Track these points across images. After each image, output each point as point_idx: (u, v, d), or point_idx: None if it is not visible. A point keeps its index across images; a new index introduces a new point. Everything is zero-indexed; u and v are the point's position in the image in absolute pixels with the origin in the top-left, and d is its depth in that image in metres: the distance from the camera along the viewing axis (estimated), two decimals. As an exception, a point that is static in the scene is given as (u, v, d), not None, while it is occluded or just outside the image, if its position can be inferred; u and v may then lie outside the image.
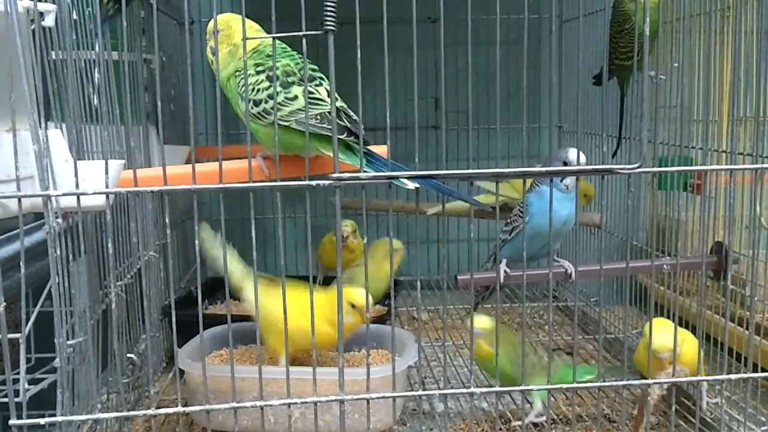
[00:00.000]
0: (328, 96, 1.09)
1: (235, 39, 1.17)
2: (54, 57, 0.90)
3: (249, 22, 1.13)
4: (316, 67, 1.16)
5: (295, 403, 0.85)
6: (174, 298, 1.73)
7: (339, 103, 1.11)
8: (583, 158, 1.41)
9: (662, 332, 1.12)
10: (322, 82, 1.14)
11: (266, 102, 1.13)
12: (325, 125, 1.07)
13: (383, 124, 0.85)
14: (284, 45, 1.20)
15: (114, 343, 0.83)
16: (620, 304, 1.95)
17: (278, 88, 1.11)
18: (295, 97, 1.11)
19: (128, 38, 1.45)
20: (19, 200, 0.75)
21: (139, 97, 1.47)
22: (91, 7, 1.06)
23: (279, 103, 1.11)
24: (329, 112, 1.07)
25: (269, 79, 1.12)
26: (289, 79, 1.13)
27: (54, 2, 0.87)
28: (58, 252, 0.79)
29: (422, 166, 0.83)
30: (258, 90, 1.14)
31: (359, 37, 0.87)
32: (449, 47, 0.84)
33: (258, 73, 1.15)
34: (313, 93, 1.12)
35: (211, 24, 1.19)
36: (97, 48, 1.10)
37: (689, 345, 1.20)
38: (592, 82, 1.79)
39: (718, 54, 1.48)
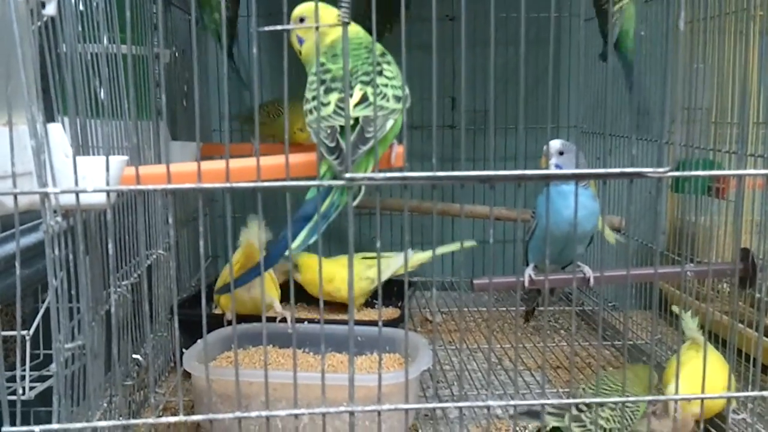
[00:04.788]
0: (360, 103, 1.10)
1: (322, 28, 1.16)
2: (57, 48, 0.87)
3: (333, 10, 1.11)
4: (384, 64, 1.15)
5: (303, 414, 0.81)
6: (184, 297, 1.74)
7: (364, 113, 1.08)
8: (557, 144, 1.37)
9: (689, 384, 1.01)
10: (365, 87, 1.11)
11: (307, 103, 1.15)
12: (327, 142, 1.07)
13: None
14: (360, 37, 1.19)
15: (114, 347, 0.80)
16: (638, 309, 1.91)
17: (318, 93, 1.11)
18: (328, 104, 1.11)
19: (138, 32, 1.42)
20: (15, 197, 0.72)
21: (149, 92, 1.44)
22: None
23: (315, 108, 1.12)
24: (341, 126, 1.08)
25: (321, 81, 1.14)
26: (333, 85, 1.13)
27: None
28: (57, 252, 0.75)
29: (438, 166, 0.80)
30: (310, 90, 1.17)
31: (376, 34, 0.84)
32: (466, 46, 0.79)
33: (315, 73, 1.16)
34: (341, 101, 1.10)
35: (295, 11, 1.20)
36: (105, 41, 1.07)
37: (717, 385, 1.12)
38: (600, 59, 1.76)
39: (742, 55, 1.43)
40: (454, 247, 1.90)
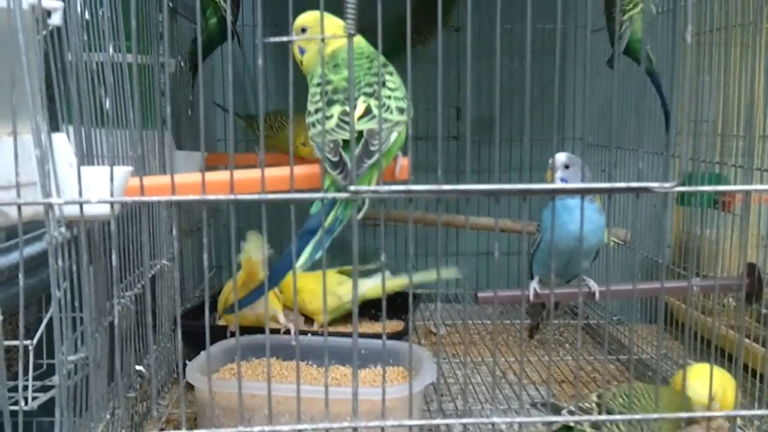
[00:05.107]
0: (364, 116, 1.07)
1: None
2: (63, 57, 0.87)
3: (335, 20, 1.10)
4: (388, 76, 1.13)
5: (306, 429, 0.80)
6: (187, 308, 1.74)
7: (368, 126, 1.06)
8: (563, 157, 1.37)
9: (700, 384, 1.03)
10: (368, 99, 1.09)
11: (310, 116, 1.12)
12: (330, 156, 1.04)
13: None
14: (361, 47, 1.17)
15: (116, 360, 0.79)
16: (643, 323, 1.90)
17: (322, 105, 1.09)
18: (331, 117, 1.08)
19: (144, 41, 1.42)
20: (19, 208, 0.71)
21: (155, 101, 1.44)
22: (105, 8, 1.03)
23: (317, 121, 1.09)
24: (344, 140, 1.05)
25: (322, 93, 1.12)
26: (335, 97, 1.10)
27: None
28: (60, 263, 0.75)
29: (443, 178, 0.79)
30: (312, 102, 1.13)
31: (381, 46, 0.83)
32: (471, 57, 0.79)
33: (317, 84, 1.14)
34: (344, 114, 1.08)
35: (297, 21, 1.19)
36: (110, 50, 1.07)
37: (726, 391, 1.12)
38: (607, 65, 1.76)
39: (749, 68, 1.43)
40: (431, 276, 1.73)
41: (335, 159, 1.04)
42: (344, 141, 1.06)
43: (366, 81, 1.11)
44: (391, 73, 1.15)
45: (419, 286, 2.09)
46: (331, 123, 1.08)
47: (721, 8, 1.47)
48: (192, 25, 1.86)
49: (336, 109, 1.09)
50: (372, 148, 1.03)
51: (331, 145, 1.05)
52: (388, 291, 1.69)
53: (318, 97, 1.11)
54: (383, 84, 1.10)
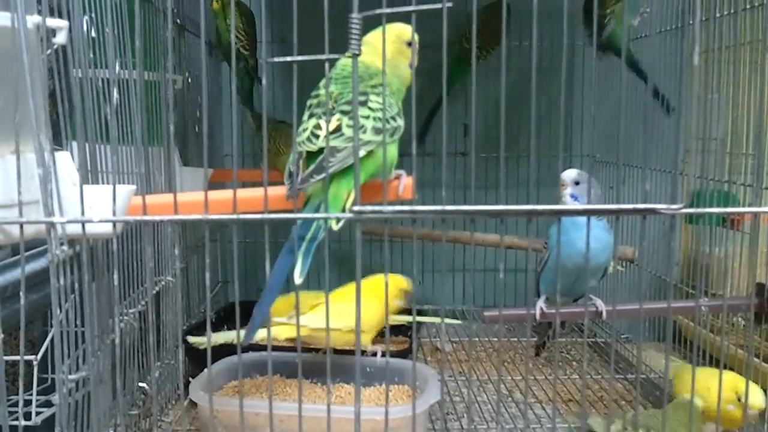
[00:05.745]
0: (334, 132, 1.05)
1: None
2: (68, 75, 0.87)
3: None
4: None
5: (307, 450, 0.79)
6: (192, 324, 1.73)
7: (333, 143, 1.04)
8: (573, 174, 1.37)
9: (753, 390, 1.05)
10: (342, 116, 1.06)
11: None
12: (291, 168, 1.04)
13: (408, 149, 0.81)
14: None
15: (117, 379, 0.79)
16: (651, 341, 1.88)
17: (329, 117, 1.08)
18: (305, 129, 1.08)
19: (152, 58, 1.42)
20: (21, 226, 0.71)
21: (162, 118, 1.44)
22: (111, 26, 1.03)
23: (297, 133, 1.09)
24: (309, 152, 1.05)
25: (308, 106, 1.11)
26: (316, 111, 1.10)
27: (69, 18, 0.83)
28: (62, 281, 0.75)
29: (449, 194, 0.79)
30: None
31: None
32: (477, 73, 0.79)
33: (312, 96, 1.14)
34: (317, 128, 1.07)
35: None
36: (116, 67, 1.07)
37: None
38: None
39: (757, 86, 1.42)
40: (435, 319, 1.84)
41: (293, 170, 1.04)
42: (308, 153, 1.06)
43: (347, 98, 1.08)
44: (378, 93, 1.11)
45: (426, 302, 2.09)
46: (303, 136, 1.07)
47: (730, 26, 1.47)
48: (199, 40, 1.87)
49: (311, 122, 1.08)
50: (324, 164, 0.99)
51: (297, 157, 1.05)
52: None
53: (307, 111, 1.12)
54: (364, 103, 1.08)
